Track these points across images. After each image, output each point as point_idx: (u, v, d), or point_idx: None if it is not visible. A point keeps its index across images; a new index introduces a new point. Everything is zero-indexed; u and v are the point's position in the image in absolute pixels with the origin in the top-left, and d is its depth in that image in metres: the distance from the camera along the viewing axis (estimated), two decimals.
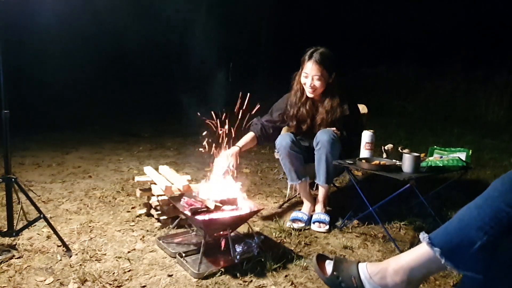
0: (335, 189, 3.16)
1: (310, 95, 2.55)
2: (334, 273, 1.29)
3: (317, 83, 2.47)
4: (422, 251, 1.18)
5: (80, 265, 1.92)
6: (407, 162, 2.20)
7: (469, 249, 1.09)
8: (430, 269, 1.18)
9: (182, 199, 2.16)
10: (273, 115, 2.73)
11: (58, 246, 2.08)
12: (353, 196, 2.61)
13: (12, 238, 2.13)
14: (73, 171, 3.73)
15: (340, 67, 2.56)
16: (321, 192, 2.59)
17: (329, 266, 1.33)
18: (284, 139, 2.50)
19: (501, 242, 1.08)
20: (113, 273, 1.84)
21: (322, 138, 2.42)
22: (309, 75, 2.47)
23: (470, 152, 2.39)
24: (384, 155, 2.45)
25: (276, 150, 2.58)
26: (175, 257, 1.98)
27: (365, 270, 1.26)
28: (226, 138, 2.34)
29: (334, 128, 2.47)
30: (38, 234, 2.25)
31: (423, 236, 1.19)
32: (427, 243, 1.16)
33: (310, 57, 2.47)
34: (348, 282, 1.27)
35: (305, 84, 2.51)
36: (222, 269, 1.85)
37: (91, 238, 2.24)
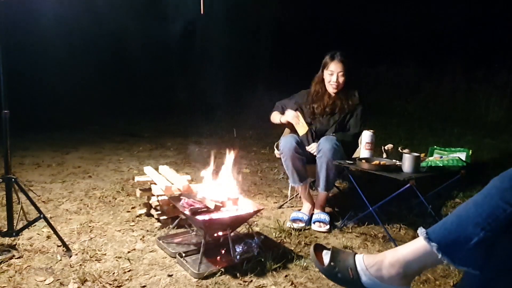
0: (335, 189, 3.15)
1: (333, 91, 2.73)
2: (331, 263, 1.30)
3: (341, 79, 2.70)
4: (419, 245, 1.19)
5: (80, 265, 1.92)
6: (407, 162, 2.20)
7: (465, 245, 1.10)
8: (426, 263, 1.19)
9: (182, 199, 2.16)
10: (290, 105, 2.89)
11: (58, 246, 2.09)
12: (353, 196, 2.62)
13: (12, 238, 2.13)
14: (73, 171, 3.74)
15: (354, 65, 2.81)
16: (320, 197, 2.60)
17: (326, 256, 1.34)
18: (288, 141, 2.51)
19: (499, 239, 1.09)
20: (113, 273, 1.85)
21: (325, 146, 2.43)
22: (335, 72, 2.68)
23: (470, 152, 2.39)
24: (384, 155, 2.45)
25: (279, 152, 2.59)
26: (175, 257, 1.98)
27: (362, 261, 1.27)
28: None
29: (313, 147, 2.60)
30: (38, 234, 2.25)
31: (420, 231, 1.20)
32: (424, 238, 1.16)
33: (332, 58, 2.70)
34: (344, 273, 1.27)
35: (329, 81, 2.71)
36: (222, 269, 1.85)
37: (91, 238, 2.24)
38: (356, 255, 1.30)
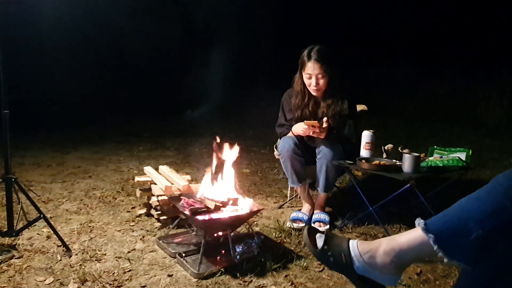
0: (335, 189, 3.15)
1: (315, 94, 2.55)
2: (325, 247, 1.29)
3: (322, 82, 2.46)
4: (415, 235, 1.18)
5: (80, 265, 1.92)
6: (407, 162, 2.20)
7: (463, 240, 1.09)
8: (421, 254, 1.19)
9: (182, 199, 2.16)
10: (288, 116, 2.67)
11: (58, 246, 2.09)
12: (353, 196, 2.61)
13: (12, 238, 2.13)
14: (73, 171, 3.74)
15: (339, 60, 2.57)
16: (319, 197, 2.60)
17: (319, 239, 1.33)
18: (287, 142, 2.50)
19: (497, 237, 1.09)
20: (113, 273, 1.85)
21: (324, 148, 2.43)
22: (313, 75, 2.45)
23: (470, 152, 2.39)
24: (384, 155, 2.45)
25: (278, 153, 2.59)
26: (175, 257, 1.98)
27: (356, 247, 1.26)
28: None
29: (325, 119, 2.40)
30: (38, 234, 2.26)
31: (418, 221, 1.20)
32: (422, 229, 1.16)
33: (309, 57, 2.45)
34: (337, 258, 1.26)
35: (309, 85, 2.50)
36: (222, 269, 1.85)
37: (91, 238, 2.24)
38: (350, 241, 1.29)
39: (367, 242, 1.28)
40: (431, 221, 1.18)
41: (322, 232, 1.36)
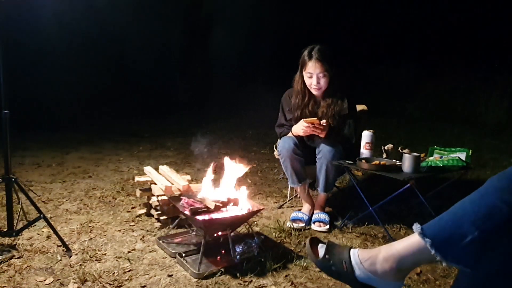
0: (335, 189, 3.15)
1: (316, 93, 2.55)
2: (326, 256, 1.31)
3: (323, 81, 2.47)
4: (413, 240, 1.19)
5: (80, 265, 1.92)
6: (407, 162, 2.20)
7: (459, 242, 1.10)
8: (420, 259, 1.20)
9: (182, 199, 2.16)
10: (288, 117, 2.68)
11: (58, 246, 2.09)
12: (353, 196, 2.61)
13: (12, 238, 2.13)
14: (73, 171, 3.74)
15: (339, 59, 2.59)
16: (319, 197, 2.60)
17: (321, 249, 1.34)
18: (286, 142, 2.49)
19: (493, 238, 1.09)
20: (113, 273, 1.85)
21: (324, 147, 2.43)
22: (314, 74, 2.45)
23: (470, 152, 2.39)
24: (384, 155, 2.45)
25: (278, 153, 2.59)
26: (175, 257, 1.98)
27: (356, 255, 1.27)
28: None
29: (324, 121, 2.41)
30: (38, 234, 2.26)
31: (416, 226, 1.21)
32: (419, 234, 1.17)
33: (310, 57, 2.45)
34: (338, 266, 1.28)
35: (310, 84, 2.50)
36: (222, 269, 1.85)
37: (91, 238, 2.24)
38: (351, 249, 1.30)
39: (367, 250, 1.29)
40: (427, 226, 1.19)
41: (324, 243, 1.37)
